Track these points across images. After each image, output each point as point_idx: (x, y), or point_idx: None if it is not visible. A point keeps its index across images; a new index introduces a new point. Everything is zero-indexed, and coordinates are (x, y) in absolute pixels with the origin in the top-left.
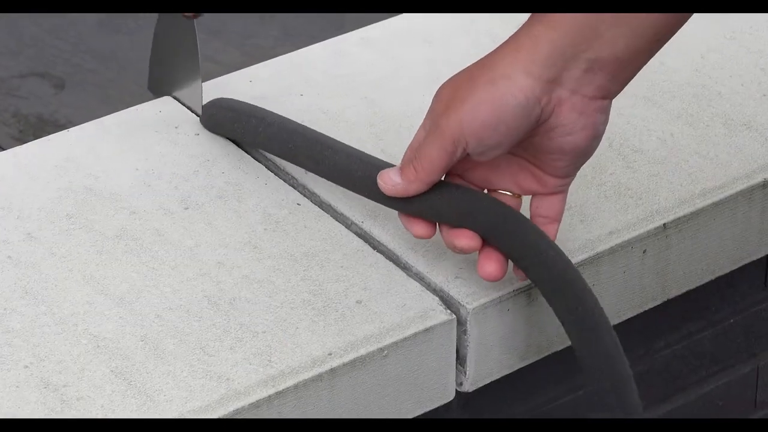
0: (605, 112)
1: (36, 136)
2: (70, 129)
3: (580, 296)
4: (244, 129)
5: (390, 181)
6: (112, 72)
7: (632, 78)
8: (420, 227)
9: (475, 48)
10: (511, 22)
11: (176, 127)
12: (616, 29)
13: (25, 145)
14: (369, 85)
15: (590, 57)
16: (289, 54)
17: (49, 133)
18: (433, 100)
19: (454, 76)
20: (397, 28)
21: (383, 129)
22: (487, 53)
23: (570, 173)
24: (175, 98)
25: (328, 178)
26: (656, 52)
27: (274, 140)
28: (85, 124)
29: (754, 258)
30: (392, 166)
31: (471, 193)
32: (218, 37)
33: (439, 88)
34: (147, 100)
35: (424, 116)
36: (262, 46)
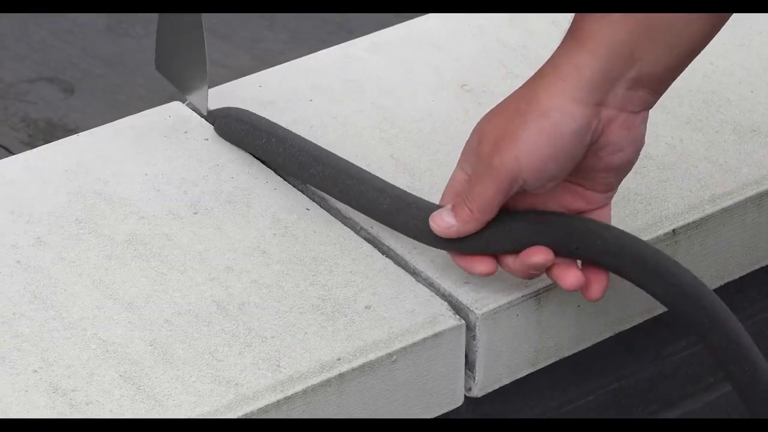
0: (646, 122)
1: (45, 141)
2: (79, 134)
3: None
4: (263, 148)
5: (443, 223)
6: (120, 76)
7: (669, 86)
8: (483, 265)
9: (483, 53)
10: (520, 25)
11: (185, 132)
12: (655, 49)
13: (35, 149)
14: (378, 90)
15: (631, 76)
16: (298, 59)
17: (59, 138)
18: (474, 139)
19: (494, 112)
20: (406, 34)
21: (393, 134)
22: (524, 85)
23: (615, 186)
24: (182, 101)
25: (353, 207)
26: (691, 61)
27: (293, 162)
28: (95, 128)
29: (763, 264)
30: (415, 197)
31: (537, 215)
32: (228, 42)
33: (479, 126)
34: (156, 105)
35: (461, 156)
36: (272, 50)
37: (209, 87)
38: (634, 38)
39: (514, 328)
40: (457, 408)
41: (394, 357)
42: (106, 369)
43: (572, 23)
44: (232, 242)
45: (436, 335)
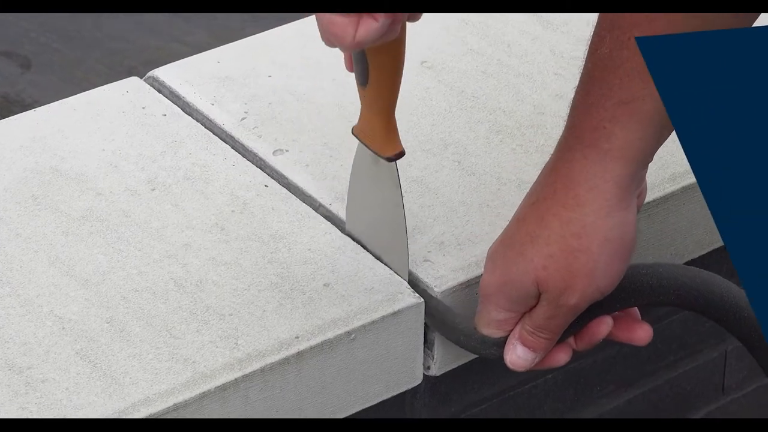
0: None
1: (1, 116)
2: (36, 109)
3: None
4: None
5: (527, 362)
6: (78, 52)
7: None
8: (563, 353)
9: (444, 30)
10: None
11: (143, 108)
12: (670, 130)
13: None
14: (338, 67)
15: (659, 145)
16: (257, 35)
17: (15, 113)
18: (528, 287)
19: (541, 255)
20: None
21: (351, 111)
22: (554, 213)
23: None
24: (377, 258)
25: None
26: None
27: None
28: (52, 104)
29: (724, 243)
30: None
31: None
32: (186, 19)
33: (533, 275)
34: (114, 80)
35: (499, 298)
36: (231, 27)
37: None
38: (655, 129)
39: (472, 306)
40: (416, 387)
41: (353, 335)
42: (62, 346)
43: (574, 128)
44: (189, 219)
45: (395, 313)
